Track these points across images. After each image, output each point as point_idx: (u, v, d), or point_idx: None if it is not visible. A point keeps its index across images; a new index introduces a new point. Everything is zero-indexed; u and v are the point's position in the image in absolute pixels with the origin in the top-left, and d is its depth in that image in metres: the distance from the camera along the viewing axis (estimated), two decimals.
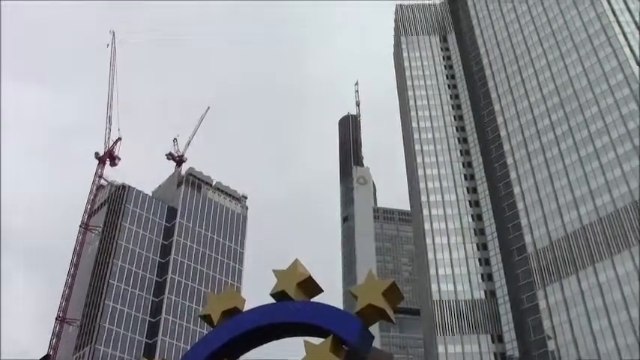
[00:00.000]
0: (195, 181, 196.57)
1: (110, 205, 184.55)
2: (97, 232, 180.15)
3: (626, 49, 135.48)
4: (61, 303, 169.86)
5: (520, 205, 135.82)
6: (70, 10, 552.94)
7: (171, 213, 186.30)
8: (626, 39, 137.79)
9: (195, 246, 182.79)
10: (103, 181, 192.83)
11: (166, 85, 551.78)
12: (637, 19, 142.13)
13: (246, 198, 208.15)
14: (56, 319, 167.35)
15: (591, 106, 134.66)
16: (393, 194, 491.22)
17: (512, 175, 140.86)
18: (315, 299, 16.16)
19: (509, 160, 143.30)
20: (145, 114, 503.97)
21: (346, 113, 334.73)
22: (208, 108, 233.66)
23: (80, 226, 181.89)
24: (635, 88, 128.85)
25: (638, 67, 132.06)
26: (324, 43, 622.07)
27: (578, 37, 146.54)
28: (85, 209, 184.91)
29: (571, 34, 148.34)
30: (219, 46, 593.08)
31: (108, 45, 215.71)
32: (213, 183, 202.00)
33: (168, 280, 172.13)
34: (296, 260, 16.37)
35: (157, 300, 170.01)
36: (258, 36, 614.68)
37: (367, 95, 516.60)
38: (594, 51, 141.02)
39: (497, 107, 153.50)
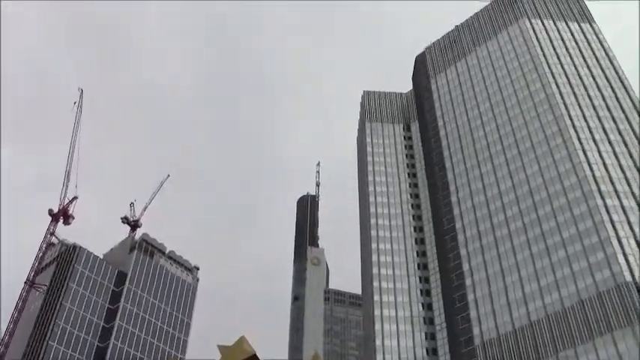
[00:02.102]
0: (149, 248, 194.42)
1: (59, 263, 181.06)
2: (42, 290, 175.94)
3: (580, 153, 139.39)
4: None
5: (470, 297, 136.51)
6: (43, 64, 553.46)
7: (121, 277, 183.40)
8: (581, 144, 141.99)
9: (141, 313, 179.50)
10: (54, 239, 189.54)
11: (130, 149, 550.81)
12: (591, 125, 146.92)
13: (197, 269, 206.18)
14: None
15: (545, 205, 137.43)
16: (346, 277, 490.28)
17: (465, 266, 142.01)
18: None
19: (463, 252, 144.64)
20: (105, 175, 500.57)
21: (305, 193, 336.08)
22: (168, 176, 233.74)
23: (25, 282, 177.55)
24: (587, 190, 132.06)
25: (590, 170, 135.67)
26: (290, 123, 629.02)
27: (536, 137, 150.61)
28: (33, 266, 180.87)
29: (529, 134, 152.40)
30: (188, 115, 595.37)
31: (75, 102, 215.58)
32: (167, 251, 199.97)
33: (111, 346, 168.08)
34: (242, 337, 16.44)
35: None
36: (227, 110, 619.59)
37: (328, 177, 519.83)
38: (550, 152, 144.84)
39: (454, 199, 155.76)
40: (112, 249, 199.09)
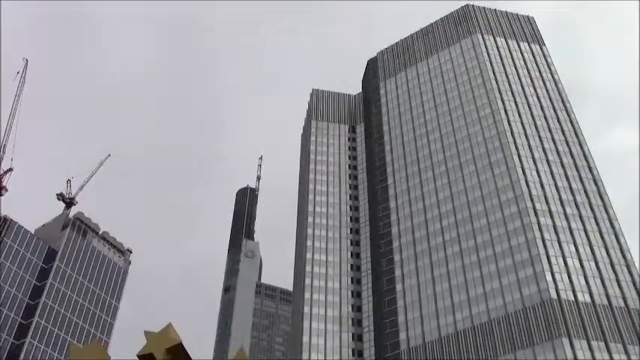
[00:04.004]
0: (82, 227, 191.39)
1: None
2: None
3: (519, 170, 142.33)
4: None
5: (400, 303, 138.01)
6: None
7: (51, 255, 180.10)
8: (520, 161, 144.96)
9: (69, 292, 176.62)
10: None
11: (75, 128, 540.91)
12: (531, 143, 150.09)
13: (130, 252, 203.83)
14: None
15: (481, 218, 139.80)
16: (279, 272, 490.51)
17: (397, 272, 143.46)
18: None
19: (397, 257, 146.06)
20: (45, 150, 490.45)
21: (245, 185, 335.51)
22: (109, 155, 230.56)
23: None
24: (523, 207, 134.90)
25: (527, 188, 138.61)
26: (238, 116, 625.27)
27: (477, 150, 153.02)
28: None
29: (472, 147, 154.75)
30: (137, 101, 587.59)
31: (18, 72, 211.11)
32: (100, 231, 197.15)
33: (34, 323, 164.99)
34: (169, 324, 16.35)
35: (17, 343, 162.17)
36: (176, 100, 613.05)
37: (271, 172, 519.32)
38: (490, 166, 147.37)
39: (392, 204, 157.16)
40: (44, 225, 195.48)
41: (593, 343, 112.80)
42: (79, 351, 16.44)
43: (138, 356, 16.04)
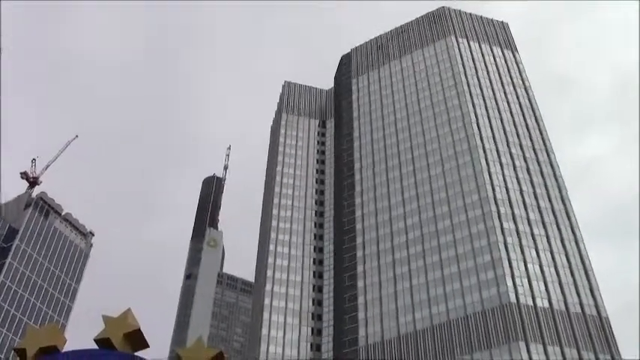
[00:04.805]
0: (45, 207, 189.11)
1: None
2: None
3: (485, 174, 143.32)
4: None
5: (361, 299, 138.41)
6: None
7: (12, 234, 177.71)
8: (487, 164, 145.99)
9: (28, 273, 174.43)
10: None
11: (44, 105, 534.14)
12: (499, 148, 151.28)
13: (92, 234, 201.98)
14: None
15: (445, 219, 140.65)
16: (241, 263, 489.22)
17: (359, 268, 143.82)
18: (140, 354, 16.08)
19: (359, 254, 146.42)
20: (14, 128, 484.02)
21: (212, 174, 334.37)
22: (76, 136, 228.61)
23: None
24: (487, 210, 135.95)
25: (492, 191, 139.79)
26: (210, 108, 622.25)
27: (446, 152, 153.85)
28: None
29: (440, 148, 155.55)
30: (110, 88, 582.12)
31: None
32: (63, 212, 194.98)
33: None
34: (128, 310, 16.23)
35: None
36: (149, 87, 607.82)
37: (239, 163, 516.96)
38: (457, 168, 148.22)
39: (358, 200, 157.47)
40: (5, 203, 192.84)
41: (549, 348, 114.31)
42: (35, 332, 16.19)
43: (95, 340, 15.88)
